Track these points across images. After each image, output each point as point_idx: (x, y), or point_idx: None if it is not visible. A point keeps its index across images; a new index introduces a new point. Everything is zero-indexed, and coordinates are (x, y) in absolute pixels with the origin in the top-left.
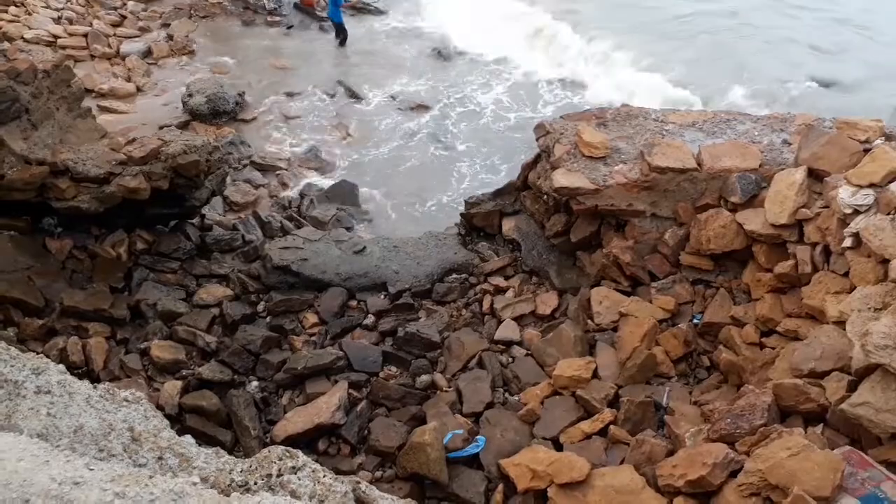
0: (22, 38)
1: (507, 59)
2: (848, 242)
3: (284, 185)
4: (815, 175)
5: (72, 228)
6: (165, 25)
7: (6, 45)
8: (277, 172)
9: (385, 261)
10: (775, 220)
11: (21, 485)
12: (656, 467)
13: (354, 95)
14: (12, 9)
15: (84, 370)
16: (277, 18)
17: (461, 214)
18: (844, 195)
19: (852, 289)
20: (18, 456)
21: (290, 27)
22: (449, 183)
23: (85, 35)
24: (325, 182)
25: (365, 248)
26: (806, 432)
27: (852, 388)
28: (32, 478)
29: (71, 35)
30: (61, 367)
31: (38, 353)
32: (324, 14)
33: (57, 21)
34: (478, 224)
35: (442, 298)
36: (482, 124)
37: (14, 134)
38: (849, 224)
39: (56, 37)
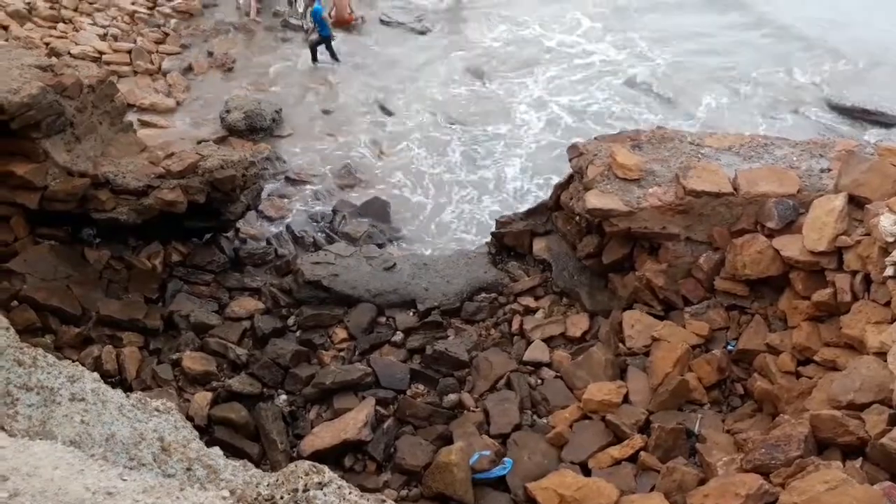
0: (69, 53)
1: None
2: (890, 271)
3: (318, 201)
4: (855, 202)
5: (110, 239)
6: (206, 42)
7: (53, 60)
8: (311, 188)
9: (415, 278)
10: (814, 247)
11: (56, 493)
12: (687, 496)
13: (389, 113)
14: (60, 25)
15: (117, 379)
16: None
17: (492, 233)
18: (886, 223)
19: (894, 319)
20: (54, 464)
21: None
22: (481, 201)
23: (129, 51)
24: (358, 198)
25: (395, 264)
26: (844, 466)
27: (893, 421)
28: (67, 486)
29: (115, 51)
30: (95, 375)
31: (73, 361)
32: (360, 33)
33: (102, 38)
34: (508, 243)
35: (471, 317)
36: (516, 144)
37: (58, 146)
38: (891, 253)
39: (101, 53)
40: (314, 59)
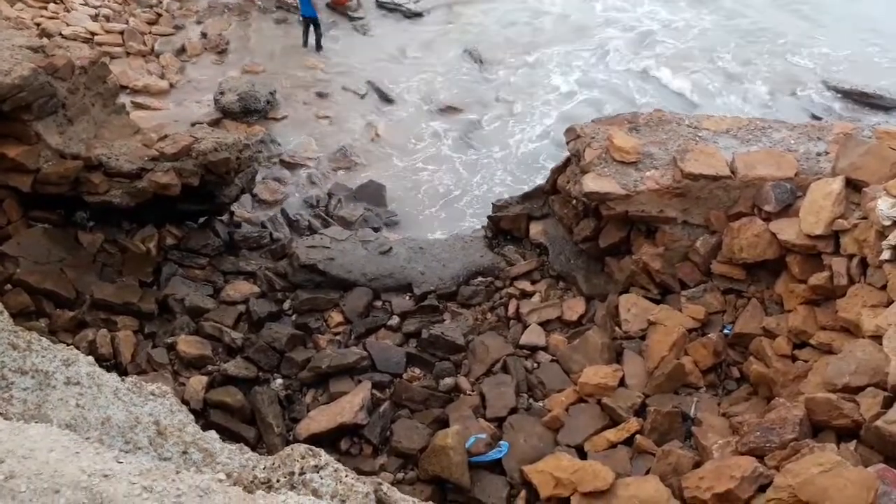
0: (60, 34)
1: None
2: (886, 255)
3: (313, 184)
4: (852, 185)
5: (103, 222)
6: (200, 23)
7: (45, 41)
8: (306, 171)
9: (411, 262)
10: (810, 231)
11: (52, 475)
12: (682, 479)
13: (384, 96)
14: (52, 5)
15: (112, 363)
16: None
17: (488, 217)
18: (883, 207)
19: (890, 302)
20: (50, 447)
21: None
22: (477, 186)
23: (121, 32)
24: (353, 182)
25: (391, 248)
26: (839, 448)
27: (888, 404)
28: (63, 469)
29: (107, 32)
30: (90, 358)
31: (68, 345)
32: (356, 15)
33: (94, 18)
34: (505, 227)
35: (467, 301)
36: (512, 128)
37: (50, 128)
38: (887, 236)
39: (93, 34)
40: (305, 43)
